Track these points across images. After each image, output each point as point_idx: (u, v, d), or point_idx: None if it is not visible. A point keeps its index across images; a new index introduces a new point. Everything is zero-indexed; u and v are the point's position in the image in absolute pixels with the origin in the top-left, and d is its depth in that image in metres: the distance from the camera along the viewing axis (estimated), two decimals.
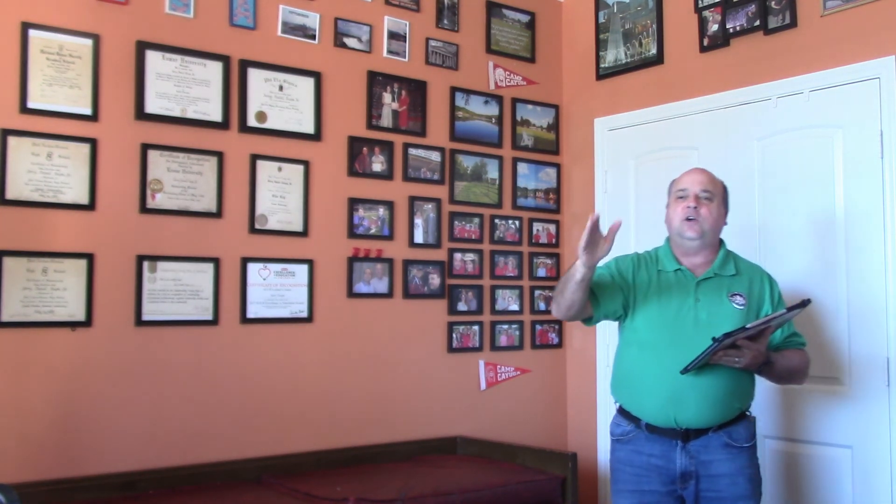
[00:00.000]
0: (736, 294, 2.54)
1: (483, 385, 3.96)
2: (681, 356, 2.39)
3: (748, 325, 2.34)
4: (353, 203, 3.58)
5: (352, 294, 3.56)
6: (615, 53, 4.06)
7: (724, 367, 2.42)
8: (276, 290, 3.35)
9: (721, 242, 2.63)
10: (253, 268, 3.30)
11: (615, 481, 2.62)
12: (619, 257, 2.69)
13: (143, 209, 3.07)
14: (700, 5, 3.68)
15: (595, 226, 2.32)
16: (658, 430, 2.50)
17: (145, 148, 3.08)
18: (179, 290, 3.13)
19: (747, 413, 2.59)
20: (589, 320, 2.63)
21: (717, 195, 2.58)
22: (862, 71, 3.14)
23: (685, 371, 2.36)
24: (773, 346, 2.52)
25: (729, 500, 2.47)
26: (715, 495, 2.47)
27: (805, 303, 2.42)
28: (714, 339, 2.30)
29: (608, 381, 4.02)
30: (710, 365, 2.40)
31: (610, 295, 2.57)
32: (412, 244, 3.75)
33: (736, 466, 2.49)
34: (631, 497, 2.55)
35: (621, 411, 2.63)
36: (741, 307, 2.52)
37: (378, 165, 3.67)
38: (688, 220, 2.52)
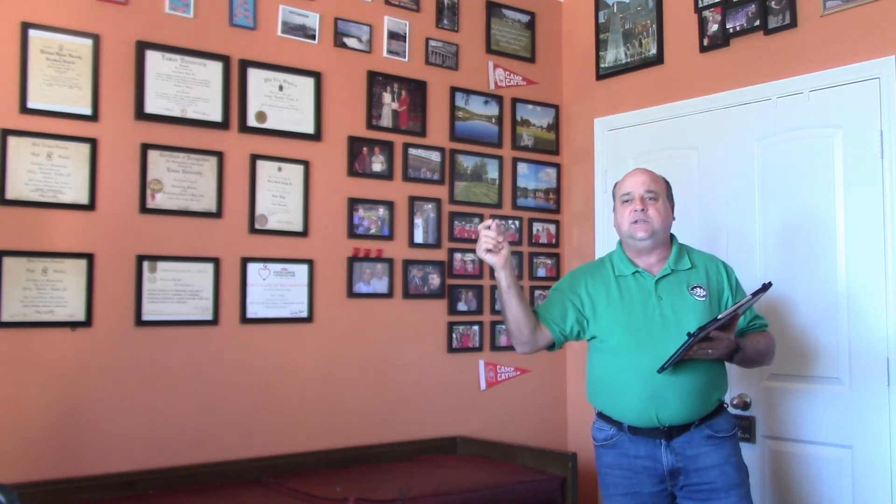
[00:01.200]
0: (696, 286, 2.57)
1: (483, 385, 3.96)
2: (654, 355, 2.42)
3: (720, 316, 2.37)
4: (353, 203, 3.58)
5: (352, 294, 3.56)
6: (615, 53, 4.06)
7: (698, 361, 2.45)
8: (276, 290, 3.35)
9: (672, 238, 2.66)
10: (253, 268, 3.30)
11: (605, 486, 2.62)
12: (572, 272, 2.77)
13: (143, 209, 3.07)
14: (700, 5, 3.68)
15: (497, 231, 2.43)
16: (641, 431, 2.52)
17: (145, 148, 3.08)
18: (179, 290, 3.13)
19: (724, 404, 2.62)
20: (552, 346, 2.65)
21: (662, 192, 2.60)
22: (862, 71, 3.14)
23: (662, 370, 2.39)
24: (738, 331, 2.56)
25: (722, 490, 2.49)
26: (708, 486, 2.49)
27: (766, 286, 2.45)
28: (689, 334, 2.34)
29: None
30: (684, 360, 2.42)
31: (561, 314, 2.60)
32: (412, 244, 3.75)
33: (721, 456, 2.51)
34: (624, 500, 2.56)
35: (602, 416, 2.64)
36: (703, 298, 2.55)
37: (378, 165, 3.67)
38: (635, 223, 2.55)
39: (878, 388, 3.05)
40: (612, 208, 2.69)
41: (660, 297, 2.54)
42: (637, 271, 2.60)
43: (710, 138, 3.65)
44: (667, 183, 2.67)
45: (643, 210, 2.54)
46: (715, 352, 2.42)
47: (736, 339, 2.49)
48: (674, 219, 2.65)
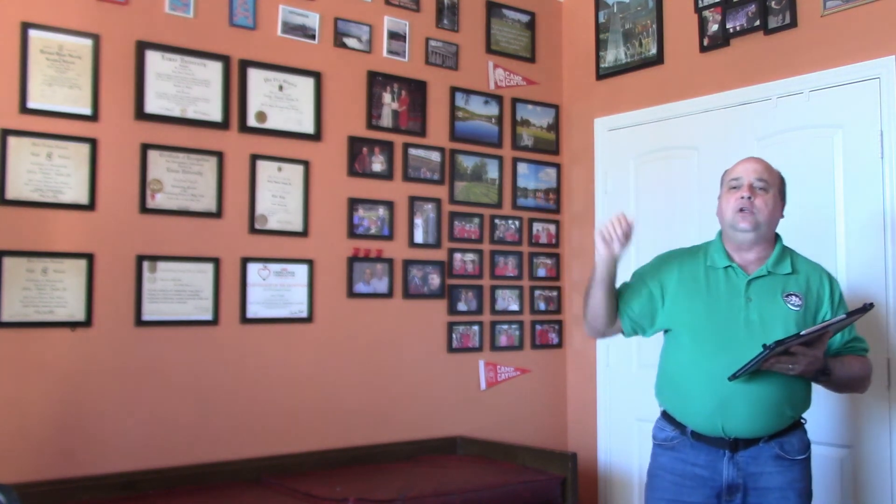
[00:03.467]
0: (791, 294, 2.35)
1: (483, 385, 3.96)
2: (730, 361, 2.23)
3: (802, 332, 2.17)
4: (353, 203, 3.58)
5: (352, 294, 3.56)
6: (615, 53, 4.06)
7: (776, 373, 2.25)
8: (275, 290, 3.35)
9: (777, 237, 2.45)
10: (253, 268, 3.30)
11: (653, 488, 2.46)
12: (660, 256, 2.57)
13: (143, 209, 3.07)
14: (700, 5, 3.68)
15: (623, 225, 2.32)
16: (704, 439, 2.34)
17: (145, 148, 3.08)
18: (179, 290, 3.13)
19: (802, 421, 2.41)
20: (625, 332, 2.53)
21: (774, 185, 2.39)
22: (862, 71, 3.14)
23: (733, 378, 2.20)
24: (831, 351, 2.36)
25: None
26: None
27: (867, 307, 2.23)
28: (764, 346, 2.15)
29: (608, 380, 4.08)
30: (762, 370, 2.24)
31: (639, 306, 2.47)
32: (412, 244, 3.75)
33: (787, 480, 2.32)
34: None
35: (665, 415, 2.47)
36: (797, 308, 2.33)
37: (378, 165, 3.67)
38: (741, 210, 2.34)
39: (878, 388, 3.05)
40: (718, 196, 2.48)
41: (749, 299, 2.34)
42: (730, 266, 2.39)
43: (711, 138, 3.65)
44: (782, 178, 2.46)
45: (750, 198, 2.34)
46: (796, 368, 2.18)
47: (825, 358, 2.27)
48: (782, 217, 2.45)
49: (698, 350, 2.35)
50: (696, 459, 2.36)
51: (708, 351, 2.33)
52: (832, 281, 2.45)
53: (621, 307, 2.48)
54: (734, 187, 2.40)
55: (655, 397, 2.54)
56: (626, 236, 2.34)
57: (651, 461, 2.50)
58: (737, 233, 2.39)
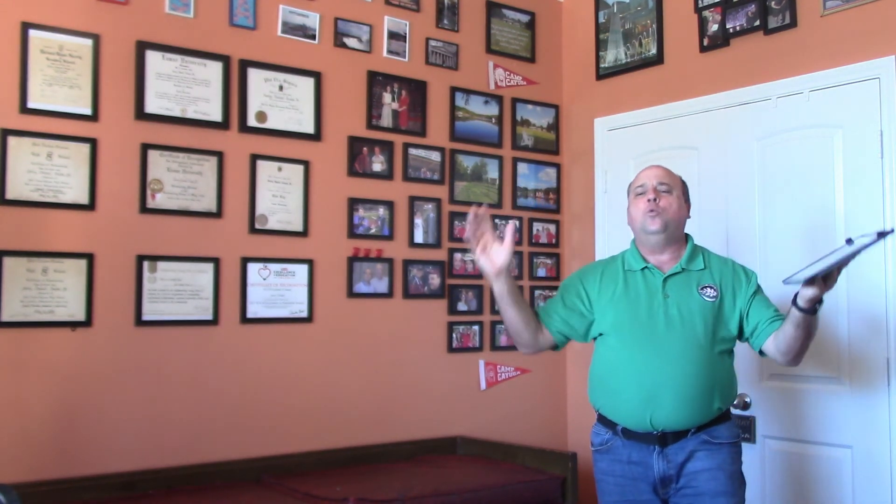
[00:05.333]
0: (706, 286, 2.48)
1: (483, 385, 3.96)
2: (653, 354, 2.38)
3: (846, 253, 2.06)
4: (353, 203, 3.58)
5: (352, 294, 3.56)
6: (615, 53, 4.06)
7: (700, 364, 2.38)
8: (276, 290, 3.35)
9: (688, 238, 2.60)
10: (253, 268, 3.30)
11: (601, 493, 2.55)
12: (582, 268, 2.73)
13: (143, 209, 3.07)
14: (700, 5, 3.68)
15: (477, 219, 2.31)
16: (635, 436, 2.44)
17: (145, 148, 3.08)
18: (179, 290, 3.13)
19: (730, 411, 2.52)
20: (555, 347, 2.61)
21: (676, 187, 2.55)
22: (862, 71, 3.14)
23: (788, 281, 2.18)
24: (758, 326, 2.45)
25: (708, 496, 2.38)
26: (692, 491, 2.39)
27: (886, 233, 2.07)
28: (848, 240, 2.04)
29: None
30: (686, 362, 2.36)
31: (561, 315, 2.56)
32: (412, 244, 3.75)
33: (715, 462, 2.40)
34: None
35: (600, 419, 2.56)
36: (712, 299, 2.46)
37: (378, 165, 3.67)
38: (650, 212, 2.47)
39: (878, 388, 3.05)
40: (627, 207, 2.61)
41: (667, 295, 2.46)
42: (647, 267, 2.53)
43: (710, 138, 3.65)
44: (683, 181, 2.63)
45: (656, 200, 2.48)
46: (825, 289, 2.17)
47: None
48: (689, 217, 2.60)
49: (624, 348, 2.46)
50: (629, 457, 2.45)
51: (633, 347, 2.43)
52: (747, 272, 2.56)
53: (546, 320, 2.57)
54: (640, 193, 2.53)
55: (590, 401, 2.60)
56: (486, 228, 2.34)
57: (594, 467, 2.58)
58: (648, 235, 2.51)
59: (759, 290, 2.53)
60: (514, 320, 2.48)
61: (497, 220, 4.03)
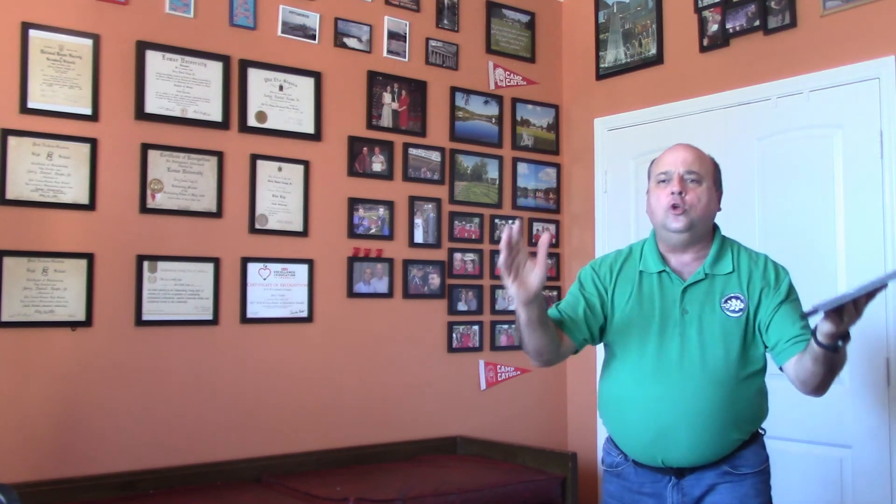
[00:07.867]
0: (731, 297, 2.09)
1: (483, 385, 3.96)
2: (667, 387, 2.05)
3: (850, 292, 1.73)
4: (353, 203, 3.58)
5: (352, 294, 3.56)
6: (615, 53, 4.07)
7: (718, 400, 2.04)
8: (276, 289, 3.35)
9: (715, 230, 2.18)
10: (253, 268, 3.30)
11: None
12: (596, 262, 2.29)
13: (143, 209, 3.07)
14: (700, 5, 3.68)
15: (510, 242, 1.84)
16: (647, 466, 2.14)
17: (145, 148, 3.08)
18: (179, 290, 3.13)
19: (761, 432, 2.18)
20: (574, 352, 2.23)
21: (707, 175, 2.12)
22: (862, 71, 3.14)
23: (808, 315, 1.80)
24: (781, 340, 2.06)
25: None
26: None
27: None
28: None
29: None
30: (702, 398, 2.03)
31: (583, 318, 2.17)
32: (412, 244, 3.75)
33: (736, 496, 2.08)
34: None
35: (611, 439, 2.27)
36: (737, 315, 2.08)
37: (378, 165, 3.67)
38: (673, 208, 2.07)
39: (877, 388, 3.05)
40: (646, 190, 2.22)
41: (685, 311, 2.09)
42: (664, 271, 2.14)
43: (711, 138, 3.63)
44: (715, 166, 2.18)
45: (681, 194, 2.06)
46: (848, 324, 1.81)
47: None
48: (719, 209, 2.15)
49: (632, 374, 2.12)
50: (640, 487, 2.16)
51: (642, 376, 2.10)
52: (778, 273, 2.14)
53: (566, 326, 2.18)
54: (663, 181, 2.12)
55: (599, 416, 2.32)
56: (519, 249, 1.88)
57: (602, 487, 2.32)
58: (670, 234, 2.12)
59: (787, 298, 2.10)
60: (541, 342, 2.07)
61: (497, 220, 4.03)
